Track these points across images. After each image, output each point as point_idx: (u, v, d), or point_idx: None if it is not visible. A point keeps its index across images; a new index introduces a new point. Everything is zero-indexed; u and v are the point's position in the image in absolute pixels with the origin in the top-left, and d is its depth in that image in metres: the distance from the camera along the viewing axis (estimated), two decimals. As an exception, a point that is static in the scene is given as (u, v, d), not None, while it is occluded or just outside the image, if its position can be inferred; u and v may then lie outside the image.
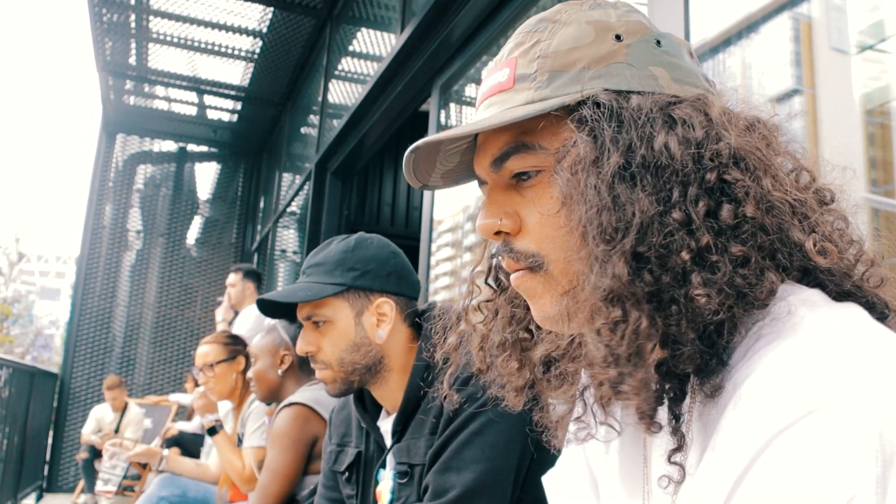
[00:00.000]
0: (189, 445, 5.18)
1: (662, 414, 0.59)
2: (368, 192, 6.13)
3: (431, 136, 0.67)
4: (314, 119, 5.55)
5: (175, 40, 6.02)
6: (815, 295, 0.58)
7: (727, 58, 1.54)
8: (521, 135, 0.64)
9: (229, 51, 6.15)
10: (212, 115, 7.92)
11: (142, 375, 7.89)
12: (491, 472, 1.17)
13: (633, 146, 0.59)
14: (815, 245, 0.58)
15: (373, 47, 4.43)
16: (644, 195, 0.57)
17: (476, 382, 1.18)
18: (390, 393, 1.37)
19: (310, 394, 2.09)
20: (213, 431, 2.64)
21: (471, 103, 3.46)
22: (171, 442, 5.34)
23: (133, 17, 5.85)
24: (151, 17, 5.78)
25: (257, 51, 6.08)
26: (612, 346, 0.57)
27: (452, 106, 3.46)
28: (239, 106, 7.45)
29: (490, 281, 0.78)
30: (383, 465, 1.36)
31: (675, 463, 0.59)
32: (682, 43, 0.67)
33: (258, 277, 4.66)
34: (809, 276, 0.61)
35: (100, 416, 6.72)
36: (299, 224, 5.86)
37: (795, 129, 0.72)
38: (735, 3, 1.58)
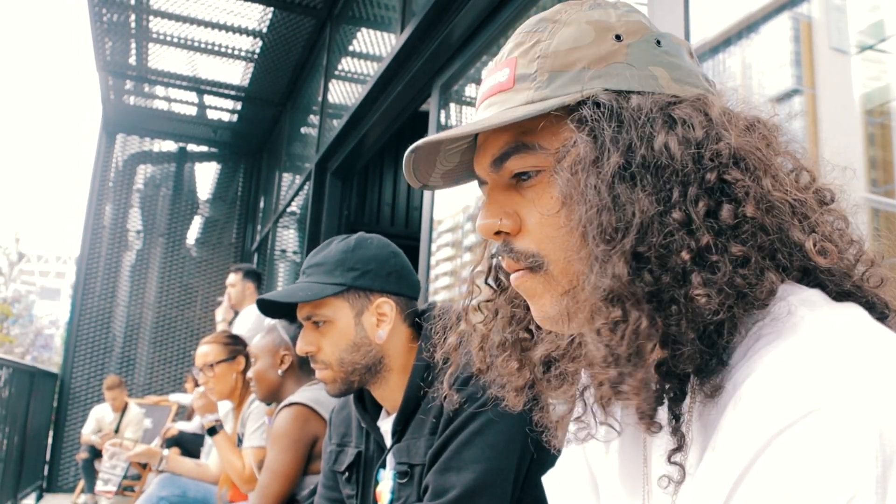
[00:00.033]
0: (189, 445, 5.18)
1: (662, 414, 0.59)
2: (368, 192, 6.13)
3: (431, 136, 0.66)
4: (314, 119, 5.55)
5: (175, 40, 6.02)
6: (815, 295, 0.58)
7: (727, 58, 1.54)
8: (521, 135, 0.64)
9: (229, 51, 6.15)
10: (212, 115, 7.92)
11: (142, 375, 7.89)
12: (491, 472, 1.17)
13: (634, 146, 0.59)
14: (815, 245, 0.58)
15: (373, 47, 4.43)
16: (644, 195, 0.57)
17: (476, 382, 1.18)
18: (390, 393, 1.37)
19: (310, 394, 2.09)
20: (213, 431, 2.64)
21: (471, 103, 3.46)
22: (171, 442, 5.34)
23: (133, 17, 5.85)
24: (151, 17, 5.78)
25: (257, 51, 6.09)
26: (613, 345, 0.57)
27: (452, 106, 3.46)
28: (239, 106, 7.46)
29: (490, 281, 0.78)
30: (383, 465, 1.36)
31: (675, 463, 0.59)
32: (681, 43, 0.67)
33: (258, 277, 4.66)
34: (809, 276, 0.61)
35: (100, 416, 6.72)
36: (299, 224, 5.86)
37: (795, 129, 0.72)
38: (735, 3, 1.58)
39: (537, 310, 0.67)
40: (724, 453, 0.50)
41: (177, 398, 6.88)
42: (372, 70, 4.38)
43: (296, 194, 5.81)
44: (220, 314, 4.67)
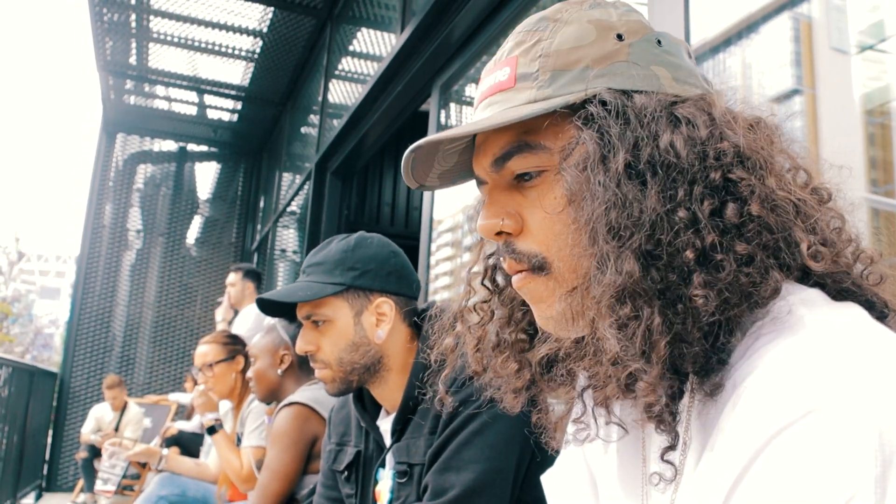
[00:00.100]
0: (188, 445, 5.19)
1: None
2: (368, 192, 6.13)
3: (432, 136, 0.66)
4: (314, 119, 5.55)
5: (175, 40, 6.02)
6: (815, 294, 0.58)
7: (727, 58, 1.54)
8: (524, 134, 0.64)
9: (229, 51, 6.15)
10: (212, 114, 7.92)
11: (141, 375, 7.89)
12: (490, 471, 1.17)
13: (640, 144, 0.59)
14: (808, 248, 0.58)
15: (373, 47, 4.43)
16: (651, 193, 0.57)
17: (471, 384, 1.18)
18: (389, 392, 1.37)
19: (309, 393, 2.09)
20: (212, 430, 2.64)
21: (471, 103, 3.46)
22: (170, 441, 5.34)
23: (133, 16, 5.85)
24: (152, 17, 5.78)
25: (257, 51, 6.08)
26: (626, 343, 0.56)
27: (452, 106, 3.46)
28: (239, 106, 7.45)
29: (486, 282, 0.78)
30: (382, 465, 1.36)
31: (667, 461, 0.59)
32: (680, 43, 0.67)
33: (258, 277, 4.66)
34: (810, 276, 0.61)
35: (99, 415, 6.72)
36: (299, 224, 5.86)
37: (795, 129, 0.72)
38: (735, 3, 1.58)
39: (540, 312, 0.66)
40: (724, 453, 0.50)
41: (176, 397, 6.88)
42: (372, 70, 4.37)
43: (295, 194, 5.81)
44: (220, 314, 4.68)
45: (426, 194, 3.35)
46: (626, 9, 0.67)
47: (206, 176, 8.77)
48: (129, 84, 7.28)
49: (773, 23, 1.47)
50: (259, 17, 5.57)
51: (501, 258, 0.70)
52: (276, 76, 6.43)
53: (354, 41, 4.87)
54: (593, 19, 0.65)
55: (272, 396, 2.34)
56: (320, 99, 5.28)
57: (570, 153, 0.62)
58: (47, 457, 7.55)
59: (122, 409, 6.70)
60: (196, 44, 6.06)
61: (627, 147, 0.59)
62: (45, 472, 7.48)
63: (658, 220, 0.57)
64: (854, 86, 1.37)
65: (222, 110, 7.78)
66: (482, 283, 0.78)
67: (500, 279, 0.76)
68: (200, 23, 5.71)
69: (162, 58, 6.39)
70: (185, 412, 6.59)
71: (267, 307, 1.43)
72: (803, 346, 0.51)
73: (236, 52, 6.18)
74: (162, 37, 6.00)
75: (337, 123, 4.58)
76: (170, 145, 8.52)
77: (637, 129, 0.59)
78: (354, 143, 4.33)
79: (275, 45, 5.88)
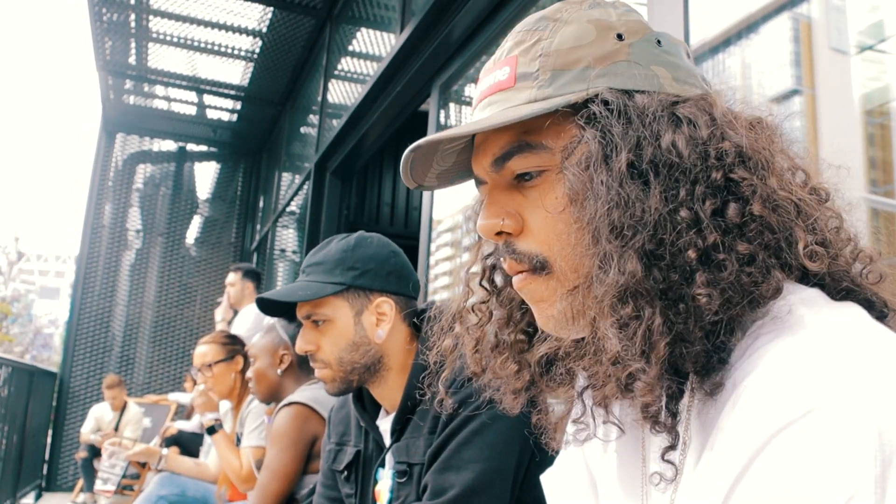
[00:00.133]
0: (188, 444, 5.18)
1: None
2: (368, 192, 6.13)
3: (431, 136, 0.66)
4: (314, 119, 5.55)
5: (175, 40, 6.02)
6: (815, 294, 0.58)
7: (727, 58, 1.54)
8: (524, 134, 0.64)
9: (229, 50, 6.14)
10: (211, 114, 7.92)
11: (141, 375, 7.89)
12: (490, 471, 1.17)
13: (642, 144, 0.59)
14: (805, 248, 0.58)
15: (372, 47, 4.42)
16: (654, 193, 0.57)
17: (470, 385, 1.18)
18: (389, 392, 1.37)
19: (309, 393, 2.09)
20: (212, 430, 2.64)
21: (471, 103, 3.45)
22: (170, 441, 5.34)
23: (133, 16, 5.84)
24: (151, 17, 5.77)
25: (257, 50, 6.08)
26: (627, 342, 0.57)
27: (452, 106, 3.46)
28: (239, 106, 7.45)
29: (484, 283, 0.77)
30: (382, 465, 1.36)
31: (668, 461, 0.59)
32: (679, 43, 0.68)
33: (257, 277, 4.66)
34: (809, 275, 0.61)
35: (99, 415, 6.72)
36: (299, 224, 5.86)
37: (795, 129, 0.72)
38: (735, 3, 1.58)
39: (541, 312, 0.66)
40: (724, 452, 0.50)
41: (176, 397, 6.88)
42: (371, 70, 4.37)
43: (295, 194, 5.81)
44: (220, 314, 4.68)
45: (425, 194, 3.35)
46: (626, 9, 0.67)
47: (205, 176, 8.77)
48: (128, 84, 7.28)
49: (773, 23, 1.47)
50: (258, 17, 5.57)
51: (501, 258, 0.70)
52: (275, 76, 6.43)
53: (354, 41, 4.87)
54: (593, 19, 0.65)
55: (272, 396, 2.34)
56: (320, 99, 5.28)
57: (572, 152, 0.61)
58: (47, 456, 7.55)
59: (122, 408, 6.70)
60: (195, 44, 6.06)
61: (630, 147, 0.59)
62: (44, 471, 7.48)
63: (660, 220, 0.57)
64: (853, 86, 1.37)
65: (222, 110, 7.77)
66: (480, 284, 0.78)
67: (498, 280, 0.76)
68: (200, 23, 5.71)
69: (161, 58, 6.39)
70: (184, 412, 6.59)
71: (267, 307, 1.43)
72: (803, 345, 0.51)
73: (236, 52, 6.18)
74: (161, 37, 6.00)
75: (336, 123, 4.58)
76: (169, 145, 8.52)
77: (639, 128, 0.59)
78: (354, 143, 4.33)
79: (274, 45, 5.87)
